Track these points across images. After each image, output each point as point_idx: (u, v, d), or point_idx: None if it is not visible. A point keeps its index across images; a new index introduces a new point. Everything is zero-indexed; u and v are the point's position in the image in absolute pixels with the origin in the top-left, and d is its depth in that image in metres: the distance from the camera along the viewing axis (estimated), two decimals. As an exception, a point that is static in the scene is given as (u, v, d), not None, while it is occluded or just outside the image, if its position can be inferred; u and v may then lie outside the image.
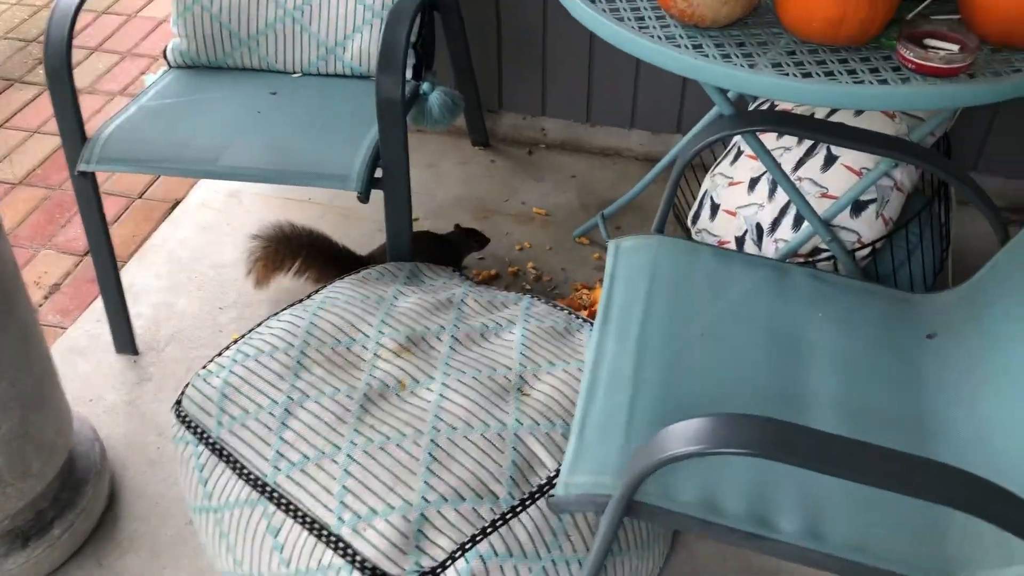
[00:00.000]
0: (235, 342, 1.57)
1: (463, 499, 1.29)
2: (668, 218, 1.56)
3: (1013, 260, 1.38)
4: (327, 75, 1.99)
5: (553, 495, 1.19)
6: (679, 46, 1.43)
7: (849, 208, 1.66)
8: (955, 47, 1.35)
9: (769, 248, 1.75)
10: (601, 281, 2.07)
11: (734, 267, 1.50)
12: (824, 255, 1.71)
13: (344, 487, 1.31)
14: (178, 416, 1.48)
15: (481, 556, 1.24)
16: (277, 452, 1.38)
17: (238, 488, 1.38)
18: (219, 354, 1.55)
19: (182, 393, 1.51)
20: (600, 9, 1.52)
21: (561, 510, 1.18)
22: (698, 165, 2.29)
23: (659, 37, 1.45)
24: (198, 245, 2.27)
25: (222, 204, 2.38)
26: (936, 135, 1.72)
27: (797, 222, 1.71)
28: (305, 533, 1.29)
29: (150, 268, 2.21)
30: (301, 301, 1.65)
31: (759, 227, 1.77)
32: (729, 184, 1.87)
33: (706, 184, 1.95)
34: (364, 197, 1.70)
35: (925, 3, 1.49)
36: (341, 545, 1.26)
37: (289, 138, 1.77)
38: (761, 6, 1.53)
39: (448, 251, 2.03)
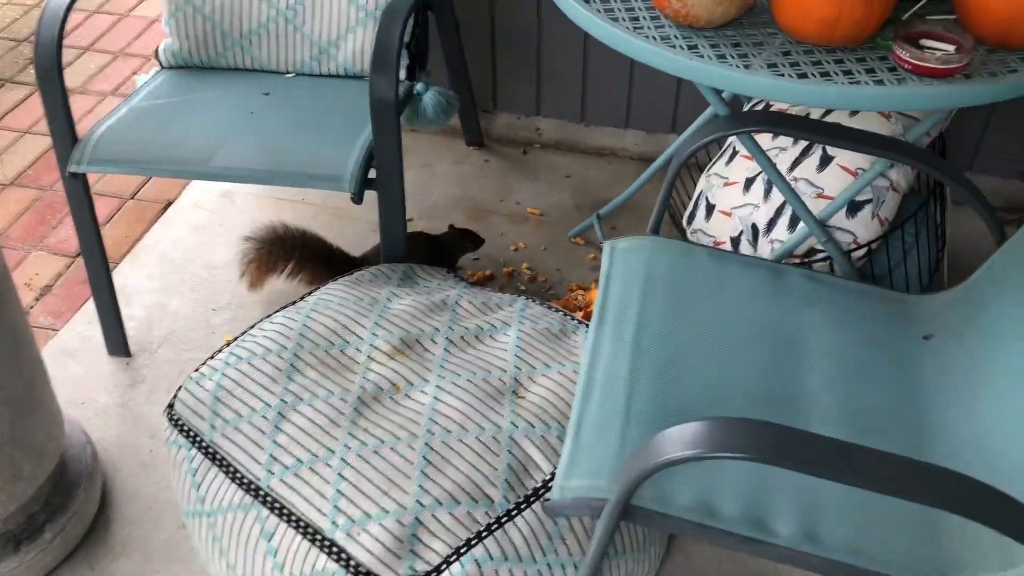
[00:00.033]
0: (228, 344, 1.56)
1: (458, 503, 1.28)
2: (663, 219, 1.56)
3: (1010, 261, 1.37)
4: (320, 75, 1.98)
5: (548, 499, 1.18)
6: (674, 47, 1.42)
7: (845, 209, 1.66)
8: (951, 47, 1.34)
9: (765, 249, 1.75)
10: (596, 282, 2.07)
11: (730, 268, 1.50)
12: (820, 256, 1.70)
13: (338, 491, 1.30)
14: (170, 419, 1.47)
15: (476, 560, 1.24)
16: (270, 456, 1.37)
17: (231, 492, 1.37)
18: (212, 357, 1.53)
19: (174, 396, 1.49)
20: (595, 10, 1.51)
21: (556, 514, 1.18)
22: (693, 165, 2.28)
23: (654, 38, 1.44)
24: (191, 246, 2.26)
25: (215, 204, 2.37)
26: (932, 135, 1.71)
27: (793, 223, 1.71)
28: (299, 537, 1.28)
29: (143, 269, 2.20)
30: (294, 303, 1.64)
31: (755, 227, 1.76)
32: (724, 184, 1.86)
33: (701, 184, 1.94)
34: (358, 198, 1.69)
35: (921, 3, 1.48)
36: (335, 550, 1.25)
37: (282, 139, 1.76)
38: (756, 6, 1.52)
39: (442, 252, 2.02)
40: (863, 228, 1.67)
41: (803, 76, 1.36)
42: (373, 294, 1.65)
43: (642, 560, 1.44)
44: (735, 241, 1.81)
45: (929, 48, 1.35)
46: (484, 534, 1.26)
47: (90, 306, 2.01)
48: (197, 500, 1.41)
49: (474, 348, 1.53)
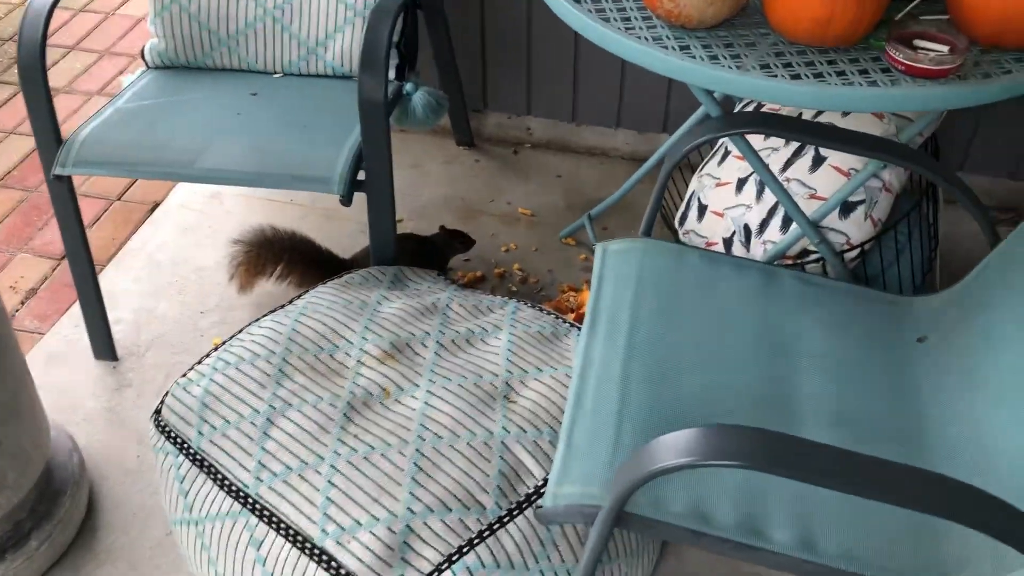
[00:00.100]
0: (216, 348, 1.54)
1: (449, 510, 1.27)
2: (655, 219, 1.54)
3: (1004, 263, 1.36)
4: (308, 75, 1.96)
5: (541, 506, 1.17)
6: (666, 47, 1.41)
7: (838, 209, 1.65)
8: (945, 48, 1.33)
9: (757, 250, 1.74)
10: (588, 283, 2.06)
11: (722, 270, 1.49)
12: (813, 257, 1.69)
13: (328, 498, 1.29)
14: (157, 426, 1.45)
15: (468, 568, 1.22)
16: (259, 463, 1.35)
17: (219, 499, 1.35)
18: (199, 362, 1.52)
19: (161, 402, 1.47)
20: (586, 10, 1.49)
21: (549, 522, 1.16)
22: (685, 165, 2.26)
23: (646, 38, 1.43)
24: (178, 248, 2.23)
25: (203, 206, 2.35)
26: (924, 135, 1.71)
27: (785, 223, 1.70)
28: (288, 545, 1.27)
29: (130, 272, 2.17)
30: (283, 307, 1.62)
31: (747, 228, 1.75)
32: (716, 185, 1.85)
33: (693, 185, 1.93)
34: (347, 200, 1.67)
35: (914, 3, 1.47)
36: (325, 558, 1.24)
37: (270, 140, 1.74)
38: (748, 6, 1.51)
39: (433, 253, 2.01)
40: (856, 229, 1.66)
41: (796, 77, 1.35)
42: (363, 297, 1.63)
43: (636, 564, 1.43)
44: (727, 242, 1.80)
45: (923, 49, 1.34)
46: (476, 541, 1.25)
47: (76, 309, 1.99)
48: (185, 508, 1.39)
49: (465, 352, 1.52)
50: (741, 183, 1.80)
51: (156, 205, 2.37)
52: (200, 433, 1.41)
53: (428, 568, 1.22)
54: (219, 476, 1.36)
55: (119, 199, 2.39)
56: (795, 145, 1.72)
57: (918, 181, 1.82)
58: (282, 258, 1.91)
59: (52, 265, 2.21)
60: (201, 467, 1.38)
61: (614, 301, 1.42)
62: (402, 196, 2.30)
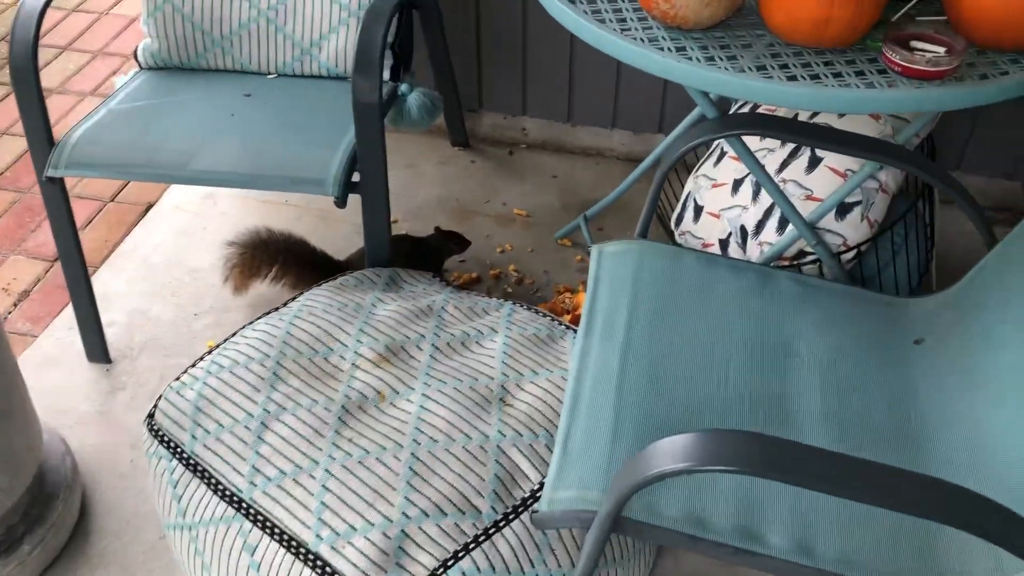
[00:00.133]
0: (210, 351, 1.53)
1: (445, 514, 1.26)
2: (651, 221, 1.54)
3: (1001, 264, 1.36)
4: (303, 76, 1.95)
5: (537, 511, 1.16)
6: (662, 48, 1.40)
7: (834, 211, 1.64)
8: (941, 49, 1.32)
9: (754, 251, 1.73)
10: (584, 284, 2.05)
11: (719, 272, 1.48)
12: (809, 258, 1.69)
13: (322, 503, 1.28)
14: (151, 430, 1.44)
15: (463, 573, 1.22)
16: (253, 467, 1.34)
17: (213, 504, 1.34)
18: (193, 365, 1.51)
19: (155, 406, 1.46)
20: (581, 11, 1.48)
21: (545, 527, 1.16)
22: (681, 166, 2.26)
23: (641, 39, 1.42)
24: (173, 249, 2.22)
25: (197, 207, 2.34)
26: (921, 136, 1.70)
27: (782, 224, 1.69)
28: (282, 551, 1.26)
29: (123, 274, 2.16)
30: (277, 309, 1.61)
31: (743, 229, 1.75)
32: (712, 186, 1.85)
33: (689, 186, 1.92)
34: (341, 202, 1.66)
35: (910, 4, 1.46)
36: (319, 563, 1.23)
37: (264, 141, 1.73)
38: (745, 7, 1.50)
39: (428, 255, 2.00)
40: (852, 230, 1.66)
41: (792, 79, 1.34)
42: (357, 300, 1.62)
43: (631, 568, 1.42)
44: (724, 243, 1.80)
45: (919, 50, 1.33)
46: (471, 546, 1.24)
47: (70, 311, 1.98)
48: (178, 513, 1.38)
49: (460, 355, 1.51)
50: (737, 184, 1.79)
51: (150, 206, 2.35)
52: (194, 437, 1.40)
53: (423, 573, 1.21)
54: (213, 481, 1.35)
55: (113, 200, 2.38)
56: (791, 146, 1.72)
57: (914, 182, 1.81)
58: (277, 260, 1.90)
59: (45, 267, 2.19)
60: (195, 472, 1.37)
61: (610, 303, 1.41)
62: (397, 197, 2.29)
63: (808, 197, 1.66)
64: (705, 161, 1.93)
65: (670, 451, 0.98)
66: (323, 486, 1.30)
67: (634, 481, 0.99)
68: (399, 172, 2.41)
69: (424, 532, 1.24)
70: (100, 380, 1.92)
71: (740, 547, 1.10)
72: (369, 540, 1.23)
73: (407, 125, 1.94)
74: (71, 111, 2.69)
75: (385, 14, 1.70)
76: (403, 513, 1.25)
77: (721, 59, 1.38)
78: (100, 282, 2.13)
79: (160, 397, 1.47)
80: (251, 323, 1.57)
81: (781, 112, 1.75)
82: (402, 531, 1.24)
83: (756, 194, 1.74)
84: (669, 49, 1.40)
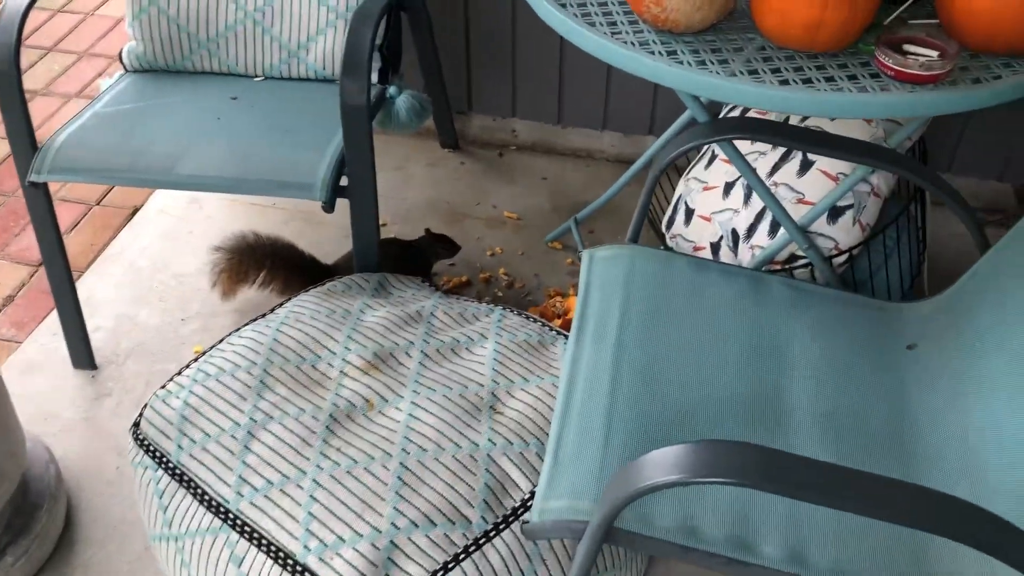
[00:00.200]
0: (196, 359, 1.51)
1: (434, 525, 1.24)
2: (643, 225, 1.53)
3: (993, 270, 1.35)
4: (290, 79, 1.93)
5: (527, 521, 1.15)
6: (653, 52, 1.39)
7: (826, 214, 1.63)
8: (934, 53, 1.31)
9: (745, 254, 1.72)
10: (575, 287, 2.03)
11: (711, 277, 1.47)
12: (801, 262, 1.68)
13: (310, 514, 1.26)
14: (136, 439, 1.42)
15: (453, 584, 1.20)
16: (240, 477, 1.32)
17: (199, 515, 1.32)
18: (179, 373, 1.49)
19: (140, 415, 1.44)
20: (571, 14, 1.47)
21: (536, 537, 1.14)
22: (671, 169, 2.25)
23: (632, 43, 1.41)
24: (159, 253, 2.20)
25: (183, 211, 2.31)
26: (913, 139, 1.69)
27: (773, 228, 1.68)
28: (270, 562, 1.24)
29: (109, 278, 2.14)
30: (264, 316, 1.59)
31: (735, 233, 1.74)
32: (703, 189, 1.83)
33: (680, 189, 1.91)
34: (329, 207, 1.64)
35: (903, 7, 1.45)
36: (307, 575, 1.21)
37: (250, 145, 1.71)
38: (736, 10, 1.49)
39: (417, 258, 1.98)
40: (844, 234, 1.65)
41: (784, 83, 1.33)
42: (346, 306, 1.60)
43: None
44: (715, 246, 1.78)
45: (912, 54, 1.32)
46: (462, 557, 1.23)
47: (54, 317, 1.95)
48: (164, 523, 1.36)
49: (450, 362, 1.49)
50: (728, 187, 1.78)
51: (136, 210, 2.33)
52: (180, 447, 1.38)
53: (413, 585, 1.20)
54: (199, 491, 1.33)
55: (98, 204, 2.35)
56: (782, 149, 1.70)
57: (906, 185, 1.80)
58: (264, 264, 1.88)
59: (30, 272, 2.17)
60: (181, 482, 1.36)
61: (601, 309, 1.40)
62: (385, 199, 2.27)
63: (800, 201, 1.65)
64: (696, 164, 1.92)
65: (662, 463, 0.97)
66: (311, 496, 1.28)
67: (626, 493, 0.98)
68: (388, 174, 2.39)
69: (413, 543, 1.23)
70: (85, 386, 1.89)
71: (733, 557, 1.09)
72: (358, 551, 1.21)
73: (396, 128, 1.92)
74: (56, 113, 2.66)
75: (373, 16, 1.69)
76: (392, 524, 1.24)
77: (712, 63, 1.37)
78: (85, 287, 2.10)
79: (145, 406, 1.45)
80: (237, 330, 1.56)
81: (772, 116, 1.74)
82: (391, 542, 1.22)
83: (747, 197, 1.73)
84: (660, 53, 1.39)
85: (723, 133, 1.46)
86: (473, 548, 1.24)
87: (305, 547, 1.23)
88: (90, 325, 1.93)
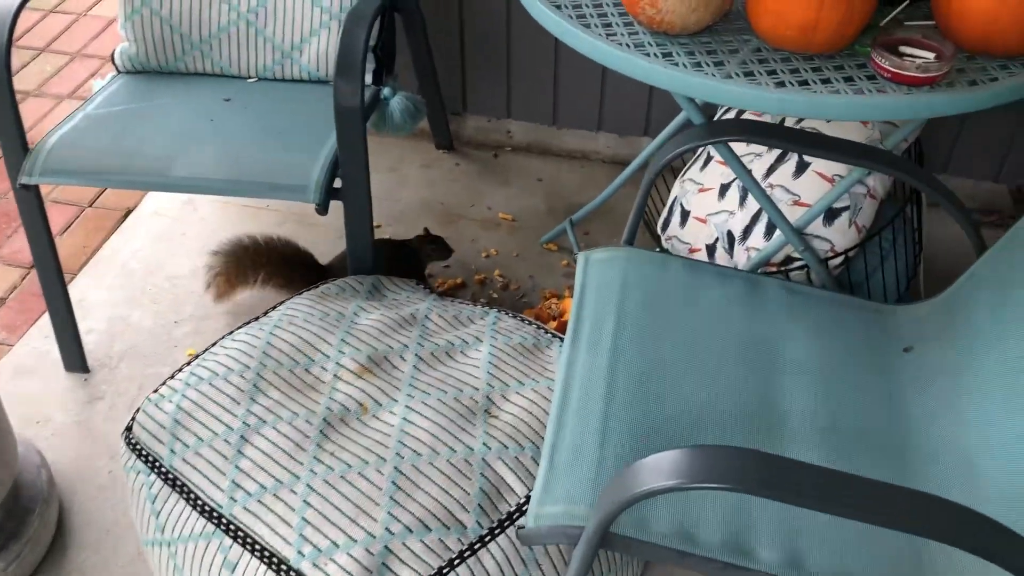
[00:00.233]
0: (189, 363, 1.50)
1: (429, 530, 1.24)
2: (638, 227, 1.52)
3: (989, 272, 1.35)
4: (283, 80, 1.92)
5: (523, 527, 1.14)
6: (648, 54, 1.38)
7: (822, 216, 1.63)
8: (931, 55, 1.31)
9: (741, 256, 1.71)
10: (570, 289, 2.03)
11: (706, 279, 1.46)
12: (797, 264, 1.67)
13: (304, 519, 1.25)
14: (128, 443, 1.41)
15: (448, 590, 1.19)
16: (233, 482, 1.31)
17: (192, 520, 1.31)
18: (171, 377, 1.48)
19: (132, 419, 1.43)
20: (566, 15, 1.46)
21: (531, 543, 1.14)
22: (667, 170, 2.24)
23: (627, 45, 1.40)
24: (152, 256, 2.19)
25: (177, 212, 2.30)
26: (909, 141, 1.69)
27: (769, 230, 1.68)
28: (263, 568, 1.23)
29: (102, 280, 2.13)
30: (257, 319, 1.58)
31: (730, 235, 1.73)
32: (699, 190, 1.83)
33: (675, 190, 1.90)
34: (322, 209, 1.63)
35: (899, 8, 1.45)
36: (301, 581, 1.20)
37: (243, 147, 1.70)
38: (732, 12, 1.48)
39: (409, 259, 1.96)
40: (840, 236, 1.64)
41: (780, 85, 1.32)
42: (340, 309, 1.59)
43: (619, 580, 1.40)
44: (711, 248, 1.78)
45: (909, 56, 1.31)
46: (456, 562, 1.22)
47: (46, 319, 1.94)
48: (157, 528, 1.35)
49: (444, 365, 1.48)
50: (724, 189, 1.77)
51: (129, 212, 2.32)
52: (172, 451, 1.37)
53: (407, 590, 1.19)
54: (192, 496, 1.32)
55: (91, 206, 2.34)
56: (778, 151, 1.70)
57: (902, 186, 1.80)
58: (261, 267, 1.87)
59: (21, 274, 2.15)
60: (173, 486, 1.34)
61: (597, 312, 1.39)
62: (380, 201, 2.26)
63: (795, 202, 1.64)
64: (692, 165, 1.91)
65: (658, 468, 0.96)
66: (304, 501, 1.27)
67: (622, 498, 0.97)
68: (382, 175, 2.38)
69: (408, 548, 1.22)
70: (77, 390, 1.88)
71: (729, 562, 1.09)
72: (352, 557, 1.20)
73: (390, 129, 1.91)
74: (48, 114, 2.65)
75: (367, 17, 1.68)
76: (386, 529, 1.23)
77: (708, 65, 1.36)
78: (78, 289, 2.09)
79: (138, 410, 1.44)
80: (231, 333, 1.54)
81: (768, 117, 1.73)
82: (385, 547, 1.21)
83: (743, 199, 1.72)
84: (655, 55, 1.38)
85: (719, 135, 1.45)
86: (468, 553, 1.23)
87: (299, 552, 1.22)
88: (82, 328, 1.92)
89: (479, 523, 1.26)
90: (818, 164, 1.64)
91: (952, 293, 1.40)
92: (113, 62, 1.93)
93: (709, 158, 1.86)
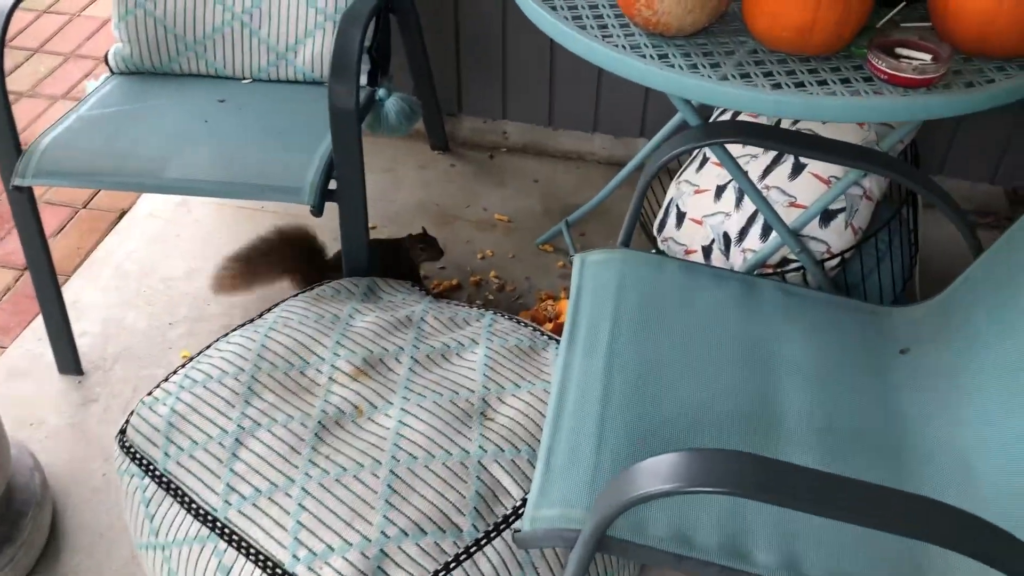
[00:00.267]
0: (183, 365, 1.49)
1: (424, 533, 1.23)
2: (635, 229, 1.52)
3: (985, 274, 1.35)
4: (278, 81, 1.91)
5: (519, 530, 1.14)
6: (644, 56, 1.37)
7: (818, 217, 1.62)
8: (927, 57, 1.31)
9: (737, 258, 1.71)
10: (566, 290, 2.02)
11: (703, 281, 1.46)
12: (793, 266, 1.67)
13: (299, 522, 1.25)
14: (122, 447, 1.41)
15: (444, 594, 1.19)
16: (227, 485, 1.31)
17: (187, 524, 1.30)
18: (165, 379, 1.47)
19: (126, 422, 1.43)
20: (562, 17, 1.46)
21: (528, 546, 1.13)
22: (663, 171, 2.23)
23: (623, 46, 1.39)
24: (146, 257, 2.18)
25: (171, 214, 2.29)
26: (905, 142, 1.69)
27: (765, 231, 1.67)
28: (258, 572, 1.22)
29: (96, 282, 2.12)
30: (252, 321, 1.58)
31: (726, 236, 1.73)
32: (695, 192, 1.83)
33: (671, 192, 1.90)
34: (317, 211, 1.62)
35: (896, 10, 1.45)
36: (296, 585, 1.20)
37: (238, 148, 1.69)
38: (728, 14, 1.48)
39: (401, 259, 1.95)
40: (836, 237, 1.64)
41: (777, 87, 1.32)
42: (335, 311, 1.59)
43: (616, 583, 1.40)
44: (707, 249, 1.78)
45: (905, 57, 1.31)
46: (452, 565, 1.21)
47: (40, 321, 1.93)
48: (151, 532, 1.34)
49: (440, 367, 1.48)
50: (720, 190, 1.77)
51: (123, 213, 2.31)
52: (166, 454, 1.36)
53: (403, 594, 1.18)
54: (186, 499, 1.32)
55: (85, 207, 2.33)
56: (774, 152, 1.70)
57: (898, 187, 1.80)
58: (276, 268, 1.86)
59: (15, 276, 2.14)
60: (168, 490, 1.34)
61: (593, 314, 1.38)
62: (375, 202, 2.26)
63: (791, 204, 1.64)
64: (687, 167, 1.91)
65: (655, 471, 0.95)
66: (299, 505, 1.26)
67: (619, 502, 0.97)
68: (377, 176, 2.38)
69: (404, 552, 1.21)
70: (71, 392, 1.87)
71: (726, 565, 1.08)
72: (347, 560, 1.20)
73: (385, 131, 1.91)
74: (42, 115, 2.64)
75: (362, 18, 1.67)
76: (382, 532, 1.22)
77: (704, 66, 1.36)
78: (72, 291, 2.08)
79: (132, 413, 1.43)
80: (225, 335, 1.54)
81: (763, 119, 1.73)
82: (381, 551, 1.21)
83: (739, 200, 1.72)
84: (651, 56, 1.38)
85: (715, 137, 1.45)
86: (464, 556, 1.22)
87: (294, 556, 1.22)
88: (76, 330, 1.91)
89: (475, 526, 1.25)
90: (814, 166, 1.64)
91: (948, 295, 1.40)
92: (107, 63, 1.92)
93: (705, 159, 1.86)
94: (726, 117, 1.83)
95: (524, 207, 2.30)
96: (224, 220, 2.26)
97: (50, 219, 2.25)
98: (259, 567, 1.22)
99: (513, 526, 1.26)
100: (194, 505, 1.31)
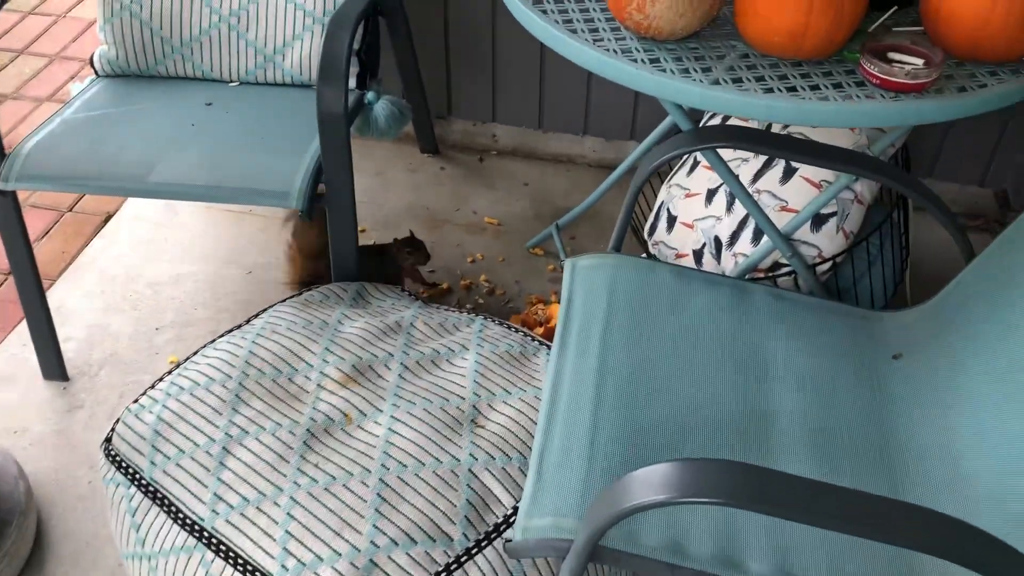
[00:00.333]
0: (170, 371, 1.47)
1: (415, 542, 1.22)
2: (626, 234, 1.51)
3: (978, 278, 1.34)
4: (266, 84, 1.89)
5: (510, 540, 1.12)
6: (635, 60, 1.37)
7: (809, 222, 1.62)
8: (920, 61, 1.30)
9: (728, 262, 1.70)
10: (556, 294, 2.01)
11: (694, 286, 1.45)
12: (785, 270, 1.66)
13: (287, 532, 1.23)
14: (108, 455, 1.39)
15: (435, 604, 1.17)
16: (215, 494, 1.29)
17: (173, 533, 1.28)
18: (152, 387, 1.45)
19: (112, 430, 1.41)
20: (552, 20, 1.45)
21: (519, 556, 1.12)
22: (654, 175, 2.23)
23: (614, 51, 1.38)
24: (133, 261, 2.16)
25: (158, 218, 2.27)
26: (896, 146, 1.68)
27: (756, 235, 1.67)
28: (246, 582, 1.21)
29: (81, 287, 2.09)
30: (240, 327, 1.56)
31: (717, 240, 1.72)
32: (686, 196, 1.82)
33: (662, 195, 1.89)
34: (306, 216, 1.61)
35: (888, 14, 1.44)
36: (284, 596, 1.18)
37: (225, 152, 1.68)
38: (720, 17, 1.47)
39: (387, 262, 1.93)
40: (828, 242, 1.63)
41: (769, 91, 1.31)
42: (323, 317, 1.57)
43: (607, 591, 1.39)
44: (698, 254, 1.77)
45: (897, 62, 1.31)
46: (443, 575, 1.20)
47: (24, 327, 1.91)
48: (137, 542, 1.32)
49: (430, 374, 1.46)
50: (711, 194, 1.76)
51: (109, 217, 2.28)
52: (153, 463, 1.35)
53: (393, 605, 1.17)
54: (173, 509, 1.30)
55: (70, 210, 2.31)
56: (765, 156, 1.69)
57: (889, 192, 1.80)
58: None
59: (-1, 280, 2.12)
60: (154, 499, 1.32)
61: (584, 319, 1.37)
62: (365, 205, 2.25)
63: (783, 208, 1.63)
64: (678, 170, 1.90)
65: (648, 481, 0.94)
66: (288, 514, 1.25)
67: (611, 513, 0.96)
68: (367, 179, 2.36)
69: (394, 561, 1.20)
70: (56, 398, 1.85)
71: (720, 575, 1.07)
72: (336, 570, 1.18)
73: (374, 134, 1.89)
74: (27, 118, 2.61)
75: (351, 20, 1.66)
76: (371, 542, 1.21)
77: (696, 71, 1.35)
78: (57, 295, 2.06)
79: (117, 421, 1.41)
80: (213, 342, 1.52)
81: (754, 123, 1.72)
82: (371, 560, 1.19)
83: (730, 204, 1.71)
84: (643, 61, 1.37)
85: (706, 141, 1.44)
86: (455, 566, 1.21)
87: (282, 566, 1.20)
88: (61, 335, 1.89)
89: (465, 535, 1.24)
90: (805, 170, 1.64)
91: (940, 300, 1.39)
92: (92, 65, 1.90)
93: (696, 163, 1.85)
94: (716, 121, 1.82)
95: (514, 210, 2.29)
96: (212, 224, 2.24)
97: (34, 223, 2.22)
98: (247, 578, 1.21)
99: (504, 535, 1.25)
100: (181, 515, 1.29)
